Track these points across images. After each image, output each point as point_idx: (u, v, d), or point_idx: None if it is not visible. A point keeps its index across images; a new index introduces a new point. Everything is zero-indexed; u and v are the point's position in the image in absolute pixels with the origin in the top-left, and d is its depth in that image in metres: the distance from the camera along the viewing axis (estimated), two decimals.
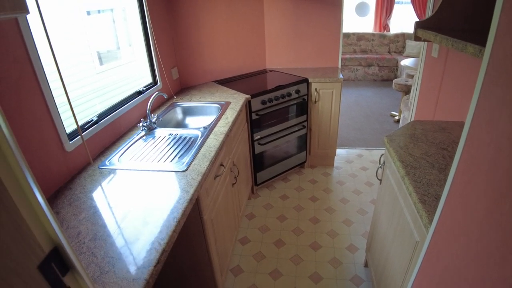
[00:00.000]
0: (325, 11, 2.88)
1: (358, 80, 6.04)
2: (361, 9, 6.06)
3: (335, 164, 3.23)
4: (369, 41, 5.98)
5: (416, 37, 1.41)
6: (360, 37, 5.99)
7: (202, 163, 1.47)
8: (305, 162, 3.10)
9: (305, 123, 2.86)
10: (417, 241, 1.17)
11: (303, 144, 2.97)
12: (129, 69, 2.18)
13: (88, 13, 1.85)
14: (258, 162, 2.67)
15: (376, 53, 5.98)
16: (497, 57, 0.65)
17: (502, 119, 0.62)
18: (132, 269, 0.96)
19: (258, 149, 2.60)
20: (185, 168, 1.43)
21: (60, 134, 1.44)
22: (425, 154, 1.49)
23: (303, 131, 2.88)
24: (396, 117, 4.27)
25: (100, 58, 2.00)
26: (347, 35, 6.02)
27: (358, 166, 3.17)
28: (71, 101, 1.45)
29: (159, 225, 1.12)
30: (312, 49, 3.08)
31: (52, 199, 1.34)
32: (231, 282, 1.99)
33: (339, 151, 3.47)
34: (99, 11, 1.97)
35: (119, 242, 1.06)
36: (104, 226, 1.15)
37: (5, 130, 0.40)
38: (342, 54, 5.97)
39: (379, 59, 5.74)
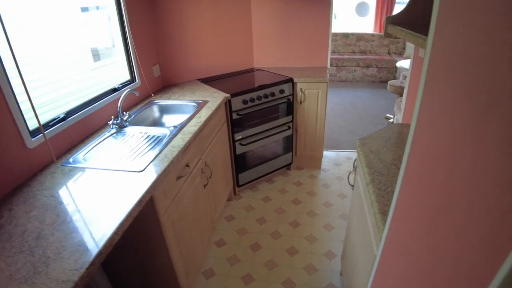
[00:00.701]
0: (314, 10, 2.82)
1: (356, 81, 5.95)
2: (361, 9, 5.97)
3: (323, 166, 3.16)
4: (368, 42, 5.89)
5: (386, 33, 1.34)
6: (359, 37, 5.90)
7: (161, 163, 1.43)
8: (291, 163, 3.04)
9: (290, 124, 2.80)
10: (375, 255, 1.11)
11: (289, 145, 2.91)
12: (116, 67, 2.16)
13: (85, 9, 1.84)
14: (240, 163, 2.62)
15: (376, 54, 5.89)
16: (436, 50, 0.58)
17: (439, 122, 0.56)
18: (65, 270, 0.92)
19: (240, 149, 2.55)
20: (142, 169, 1.39)
21: (21, 130, 1.40)
22: (397, 160, 1.42)
23: (289, 132, 2.82)
24: (391, 120, 4.19)
25: (95, 55, 1.99)
26: (346, 35, 5.93)
27: (346, 169, 3.10)
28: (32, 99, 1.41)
29: (102, 226, 1.08)
30: (301, 48, 3.01)
31: (10, 196, 1.31)
32: (202, 285, 1.95)
33: (328, 153, 3.41)
34: (82, 10, 1.95)
35: (60, 241, 1.03)
36: (50, 224, 1.12)
37: None
38: (340, 55, 5.90)
39: (378, 60, 5.65)
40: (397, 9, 6.16)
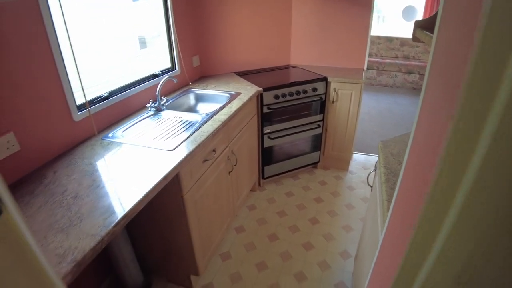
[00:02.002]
0: (354, 11, 2.81)
1: (396, 86, 5.78)
2: (407, 13, 5.75)
3: (350, 168, 3.15)
4: (412, 48, 5.68)
5: (414, 37, 1.34)
6: (403, 42, 5.71)
7: (190, 145, 1.54)
8: (318, 162, 3.06)
9: (320, 123, 2.82)
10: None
11: (318, 144, 2.94)
12: (158, 55, 2.32)
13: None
14: (267, 156, 2.69)
15: (419, 60, 5.66)
16: (437, 54, 0.62)
17: (437, 119, 0.59)
18: (95, 226, 1.06)
19: (268, 142, 2.62)
20: (173, 148, 1.51)
21: (70, 104, 1.59)
22: None
23: (318, 131, 2.85)
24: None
25: (142, 43, 2.17)
26: (390, 39, 5.76)
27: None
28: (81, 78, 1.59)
29: (130, 194, 1.21)
30: (338, 48, 3.01)
31: (55, 160, 1.50)
32: (218, 265, 2.06)
33: (357, 156, 3.38)
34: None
35: (93, 202, 1.17)
36: (87, 187, 1.27)
37: None
38: (382, 58, 5.75)
39: (421, 67, 5.44)
40: None
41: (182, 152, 1.48)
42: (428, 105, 0.61)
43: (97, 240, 1.01)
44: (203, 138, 1.61)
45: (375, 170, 1.68)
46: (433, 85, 0.59)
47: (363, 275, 1.47)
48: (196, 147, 1.53)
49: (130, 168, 1.38)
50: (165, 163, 1.40)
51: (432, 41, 0.62)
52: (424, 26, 1.38)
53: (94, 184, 1.29)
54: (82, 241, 1.00)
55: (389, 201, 1.16)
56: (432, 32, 1.29)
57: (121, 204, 1.16)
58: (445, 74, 0.50)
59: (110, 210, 1.13)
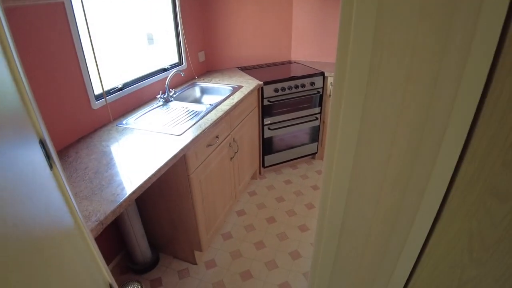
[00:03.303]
0: None
1: None
2: None
3: None
4: None
5: None
6: None
7: (196, 131, 1.73)
8: (316, 153, 3.24)
9: (318, 115, 2.99)
10: None
11: (316, 135, 3.11)
12: (166, 50, 2.51)
13: None
14: (267, 146, 2.87)
15: None
16: None
17: None
18: (114, 194, 1.25)
19: (268, 133, 2.81)
20: (181, 133, 1.70)
21: (89, 94, 1.79)
22: None
23: (316, 123, 3.02)
24: None
25: (149, 39, 2.36)
26: None
27: None
28: (100, 70, 1.78)
29: (145, 169, 1.40)
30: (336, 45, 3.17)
31: (76, 143, 1.70)
32: (220, 244, 2.25)
33: None
34: None
35: (111, 176, 1.37)
36: (106, 164, 1.47)
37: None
38: None
39: None
40: None
41: (189, 136, 1.67)
42: None
43: (116, 204, 1.20)
44: (207, 125, 1.80)
45: None
46: None
47: None
48: (201, 133, 1.72)
49: (143, 149, 1.58)
50: (174, 145, 1.59)
51: None
52: None
53: (112, 162, 1.48)
54: (104, 206, 1.19)
55: None
56: None
57: (136, 177, 1.35)
58: None
59: (127, 182, 1.32)
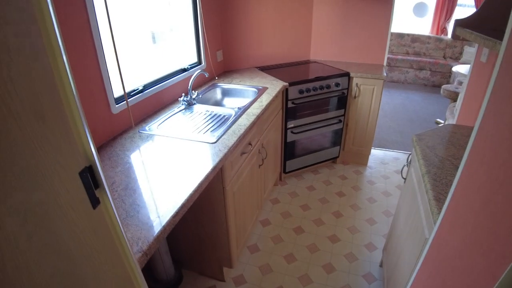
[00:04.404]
0: (375, 8, 2.82)
1: (407, 82, 5.79)
2: (419, 9, 5.76)
3: (369, 163, 3.18)
4: (424, 44, 5.68)
5: (455, 35, 1.37)
6: (415, 38, 5.71)
7: (231, 138, 1.57)
8: (337, 157, 3.09)
9: (342, 118, 2.85)
10: (426, 238, 1.17)
11: (338, 139, 2.96)
12: (178, 49, 2.34)
13: None
14: (289, 150, 2.72)
15: (430, 57, 5.67)
16: (510, 52, 0.65)
17: (507, 111, 0.63)
18: (153, 216, 1.09)
19: (291, 137, 2.65)
20: (215, 140, 1.54)
21: (109, 97, 1.61)
22: (451, 156, 1.45)
23: (339, 126, 2.87)
24: (441, 125, 4.07)
25: (154, 38, 2.18)
26: (401, 36, 5.77)
27: (393, 169, 3.10)
28: (122, 71, 1.61)
29: (183, 184, 1.23)
30: (358, 44, 3.03)
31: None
32: (247, 258, 2.09)
33: (375, 152, 3.41)
34: None
35: (146, 194, 1.20)
36: (135, 179, 1.30)
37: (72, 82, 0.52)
38: (393, 55, 5.76)
39: (432, 64, 5.45)
40: (458, 11, 5.87)
41: (226, 144, 1.51)
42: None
43: (159, 229, 1.03)
44: (242, 131, 1.64)
45: (408, 164, 1.71)
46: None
47: (399, 264, 1.51)
48: (237, 140, 1.56)
49: (174, 159, 1.41)
50: (209, 155, 1.42)
51: (503, 43, 0.65)
52: (465, 24, 1.41)
53: (142, 176, 1.31)
54: (144, 232, 1.02)
55: (433, 190, 1.19)
56: (473, 29, 1.32)
57: (176, 194, 1.19)
58: None
59: (165, 200, 1.15)
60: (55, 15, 0.49)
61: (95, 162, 0.62)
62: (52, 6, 0.49)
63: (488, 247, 0.66)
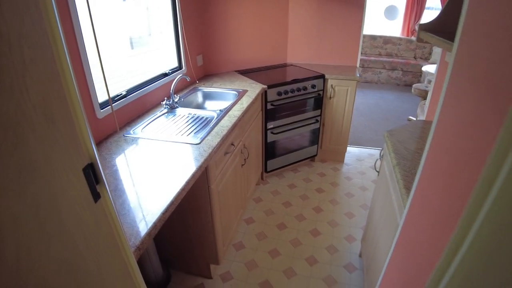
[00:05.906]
0: (347, 12, 2.98)
1: (381, 83, 6.05)
2: (390, 12, 6.04)
3: (346, 160, 3.32)
4: (395, 45, 5.97)
5: (419, 38, 1.50)
6: (386, 40, 5.99)
7: (214, 139, 1.64)
8: (316, 155, 3.21)
9: (318, 118, 2.97)
10: (397, 223, 1.28)
11: (316, 138, 3.08)
12: (158, 54, 2.38)
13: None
14: (270, 150, 2.81)
15: (402, 58, 5.96)
16: (461, 53, 0.76)
17: (462, 105, 0.74)
18: (144, 214, 1.14)
19: (271, 137, 2.75)
20: (199, 142, 1.60)
21: (94, 102, 1.65)
22: (420, 149, 1.59)
23: (316, 125, 3.00)
24: (410, 121, 4.30)
25: (131, 43, 2.22)
26: (373, 38, 6.02)
27: (368, 165, 3.25)
28: (106, 76, 1.65)
29: (171, 183, 1.29)
30: (332, 47, 3.18)
31: None
32: (232, 255, 2.16)
33: (352, 149, 3.56)
34: None
35: (135, 194, 1.25)
36: (123, 181, 1.34)
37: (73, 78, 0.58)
38: (366, 56, 6.00)
39: (404, 64, 5.73)
40: (426, 14, 6.19)
41: (210, 145, 1.57)
42: (453, 101, 0.75)
43: (150, 225, 1.09)
44: (224, 132, 1.71)
45: (381, 157, 1.83)
46: (460, 82, 0.73)
47: (376, 253, 1.62)
48: (221, 140, 1.63)
49: (161, 161, 1.46)
50: (194, 155, 1.49)
51: (454, 44, 0.76)
52: (428, 28, 1.54)
53: (130, 177, 1.36)
54: (136, 229, 1.08)
55: (404, 180, 1.31)
56: (435, 34, 1.45)
57: (164, 192, 1.24)
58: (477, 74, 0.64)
59: (154, 199, 1.21)
60: (61, 28, 0.55)
61: (96, 160, 0.68)
62: (59, 20, 0.55)
63: (449, 225, 0.76)
